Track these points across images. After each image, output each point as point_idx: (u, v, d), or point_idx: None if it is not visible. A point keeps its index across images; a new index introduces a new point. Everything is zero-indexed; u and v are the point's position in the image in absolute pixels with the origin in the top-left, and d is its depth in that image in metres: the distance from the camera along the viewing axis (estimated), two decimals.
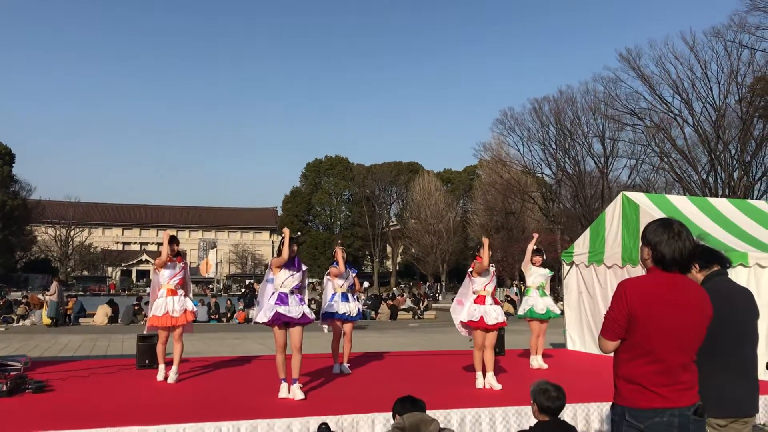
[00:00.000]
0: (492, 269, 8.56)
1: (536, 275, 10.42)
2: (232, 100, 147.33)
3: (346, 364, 9.64)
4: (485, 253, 8.34)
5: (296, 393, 7.35)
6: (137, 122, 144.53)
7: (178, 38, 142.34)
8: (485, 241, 8.48)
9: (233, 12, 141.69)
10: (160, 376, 8.69)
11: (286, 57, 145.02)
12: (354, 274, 9.92)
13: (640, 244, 3.47)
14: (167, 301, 8.58)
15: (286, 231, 7.75)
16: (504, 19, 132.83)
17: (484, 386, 8.26)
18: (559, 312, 10.67)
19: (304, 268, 7.77)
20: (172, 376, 8.53)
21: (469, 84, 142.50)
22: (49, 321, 22.93)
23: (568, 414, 6.88)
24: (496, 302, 8.47)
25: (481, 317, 8.28)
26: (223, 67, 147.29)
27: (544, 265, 10.51)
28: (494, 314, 8.31)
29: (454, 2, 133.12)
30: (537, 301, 10.30)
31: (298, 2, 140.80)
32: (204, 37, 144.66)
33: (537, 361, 10.25)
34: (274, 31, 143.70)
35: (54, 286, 23.80)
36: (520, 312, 10.66)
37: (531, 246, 10.41)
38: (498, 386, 8.20)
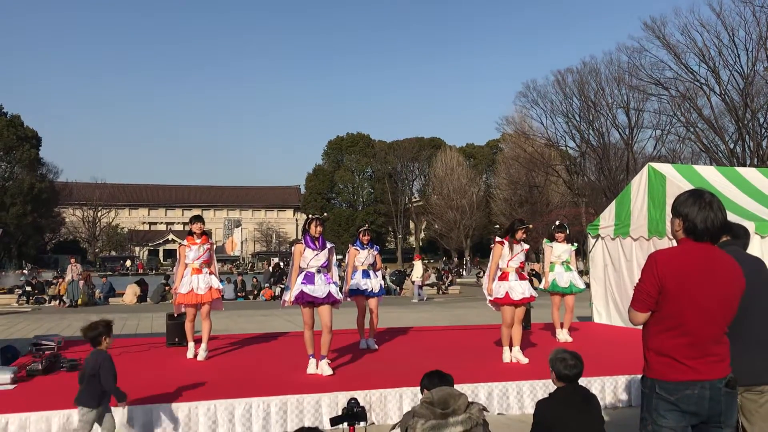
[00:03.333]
0: (520, 246, 8.50)
1: (560, 251, 10.36)
2: (255, 79, 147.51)
3: (372, 339, 9.71)
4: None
5: (324, 369, 7.43)
6: (162, 103, 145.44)
7: (203, 19, 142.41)
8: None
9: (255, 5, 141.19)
10: (189, 354, 8.82)
11: (308, 34, 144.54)
12: (376, 252, 9.89)
13: (670, 215, 3.42)
14: (192, 279, 8.69)
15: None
16: None
17: (511, 360, 8.28)
18: (583, 286, 10.60)
19: (329, 246, 7.79)
20: (202, 354, 8.66)
21: (491, 57, 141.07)
22: (81, 301, 23.34)
23: (596, 387, 6.88)
24: (522, 277, 8.41)
25: (506, 293, 8.25)
26: (246, 47, 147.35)
27: (567, 240, 10.45)
28: (520, 289, 8.26)
29: None
30: (561, 276, 10.27)
31: None
32: (228, 17, 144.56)
33: (563, 335, 10.23)
34: (297, 8, 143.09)
35: (69, 268, 23.89)
36: (542, 285, 10.66)
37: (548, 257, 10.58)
38: (525, 360, 8.21)
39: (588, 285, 12.93)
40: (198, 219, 9.12)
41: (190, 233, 8.96)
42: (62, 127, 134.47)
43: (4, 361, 8.81)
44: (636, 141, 44.98)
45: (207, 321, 8.81)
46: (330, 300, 7.53)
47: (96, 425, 5.23)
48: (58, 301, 23.76)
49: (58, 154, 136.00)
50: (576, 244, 10.83)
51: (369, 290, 9.53)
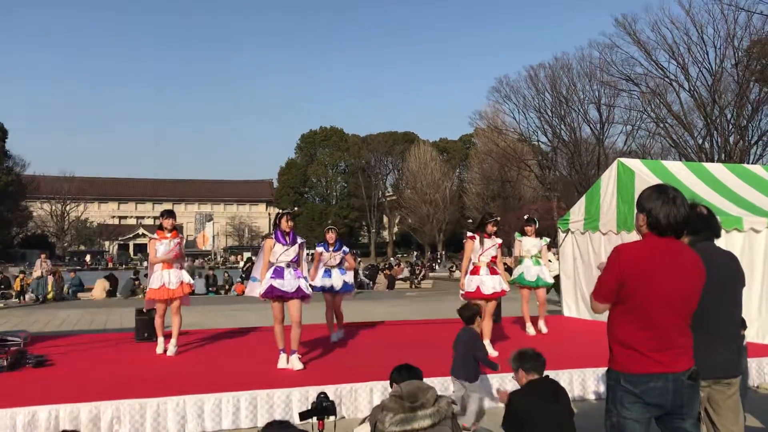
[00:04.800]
0: (491, 241, 8.55)
1: (530, 245, 10.43)
2: (226, 72, 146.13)
3: (340, 330, 9.86)
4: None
5: (295, 363, 7.42)
6: (132, 96, 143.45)
7: (169, 13, 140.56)
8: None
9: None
10: (159, 349, 8.74)
11: (278, 28, 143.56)
12: (345, 254, 9.72)
13: (635, 210, 3.47)
14: (163, 275, 8.59)
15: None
16: None
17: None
18: (551, 281, 10.73)
19: (300, 241, 7.77)
20: (171, 349, 8.58)
21: (464, 52, 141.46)
22: (50, 296, 22.92)
23: (564, 379, 6.96)
24: (493, 272, 8.47)
25: (477, 287, 8.33)
26: (215, 40, 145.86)
27: (537, 234, 10.51)
28: (491, 284, 8.36)
29: None
30: (529, 269, 10.35)
31: None
32: (196, 10, 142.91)
33: (531, 329, 10.35)
34: (271, 2, 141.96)
35: (37, 263, 23.44)
36: (511, 278, 10.73)
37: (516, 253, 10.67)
38: (494, 353, 8.27)
39: (558, 278, 13.07)
40: (169, 214, 8.98)
41: (160, 227, 8.85)
42: (30, 119, 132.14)
43: None
44: (607, 136, 45.56)
45: (177, 316, 8.73)
46: (299, 294, 7.52)
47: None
48: (19, 297, 22.90)
49: (26, 146, 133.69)
50: (548, 239, 10.90)
51: (328, 287, 9.49)
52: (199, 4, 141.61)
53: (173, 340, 8.65)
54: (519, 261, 10.59)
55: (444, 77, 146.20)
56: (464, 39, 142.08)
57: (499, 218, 8.80)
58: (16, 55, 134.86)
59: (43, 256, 24.14)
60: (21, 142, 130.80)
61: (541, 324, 10.50)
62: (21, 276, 23.60)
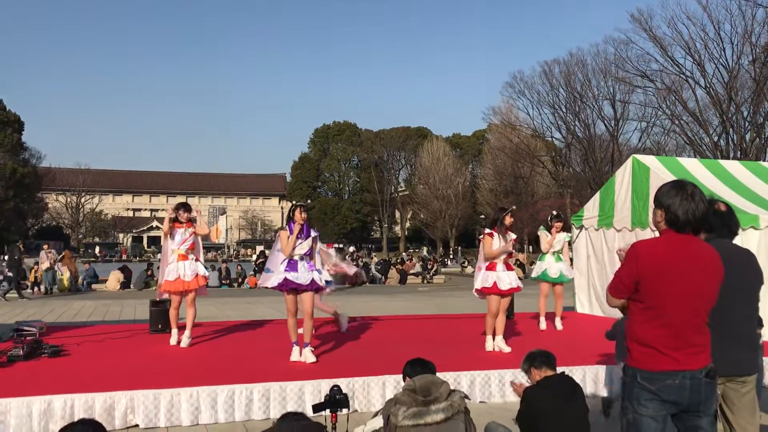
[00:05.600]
0: (508, 236, 8.48)
1: (554, 241, 10.41)
2: (242, 67, 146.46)
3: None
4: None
5: (308, 356, 7.44)
6: (147, 89, 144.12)
7: (186, 7, 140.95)
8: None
9: None
10: (173, 341, 8.79)
11: (297, 23, 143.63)
12: (311, 237, 9.16)
13: (653, 206, 3.45)
14: (178, 266, 8.61)
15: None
16: None
17: (494, 349, 8.33)
18: (572, 276, 10.85)
19: (313, 234, 7.77)
20: (185, 341, 8.63)
21: (478, 48, 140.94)
22: (65, 287, 23.09)
23: (577, 376, 6.92)
24: (509, 268, 8.43)
25: (494, 283, 8.25)
26: (231, 34, 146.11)
27: (564, 229, 10.55)
28: (507, 279, 8.28)
29: None
30: (551, 265, 10.36)
31: None
32: (217, 3, 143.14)
33: (544, 324, 10.36)
34: (283, 6, 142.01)
35: (42, 255, 23.30)
36: (534, 274, 10.71)
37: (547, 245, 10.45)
38: (507, 349, 8.26)
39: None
40: (184, 206, 8.99)
41: (176, 220, 8.87)
42: (46, 112, 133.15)
43: None
44: (621, 133, 45.37)
45: (192, 308, 8.77)
46: (313, 287, 7.54)
47: None
48: (33, 289, 23.03)
49: (42, 139, 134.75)
50: (570, 234, 10.91)
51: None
52: (212, 5, 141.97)
53: (187, 332, 8.70)
54: (541, 257, 10.55)
55: (458, 72, 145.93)
56: (478, 34, 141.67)
57: (514, 207, 8.70)
58: (33, 48, 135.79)
59: (45, 247, 24.03)
60: (37, 135, 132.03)
61: (557, 321, 10.49)
62: (35, 267, 23.72)
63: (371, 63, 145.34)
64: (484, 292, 8.37)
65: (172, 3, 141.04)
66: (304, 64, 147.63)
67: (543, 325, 10.33)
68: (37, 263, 24.98)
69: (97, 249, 69.22)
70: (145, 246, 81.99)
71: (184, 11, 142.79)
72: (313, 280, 7.52)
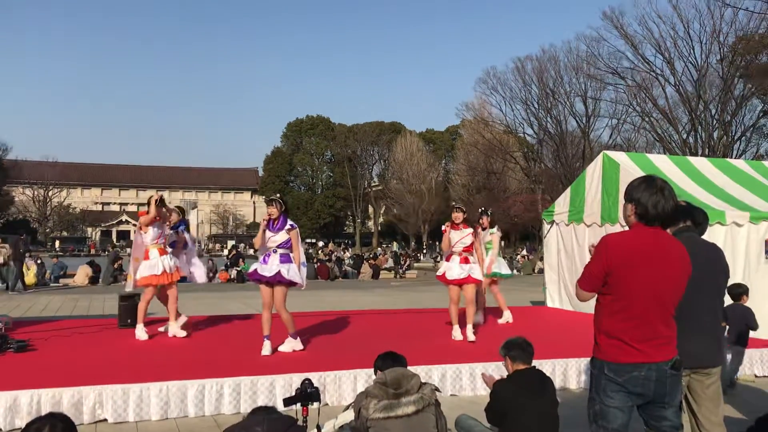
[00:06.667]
0: (460, 232, 8.80)
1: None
2: (213, 59, 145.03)
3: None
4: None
5: (290, 345, 7.65)
6: (117, 80, 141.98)
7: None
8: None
9: None
10: (141, 335, 8.69)
11: (265, 15, 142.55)
12: (180, 229, 9.30)
13: (623, 201, 3.50)
14: (162, 260, 8.63)
15: (153, 198, 8.69)
16: None
17: (460, 338, 8.65)
18: (507, 272, 10.99)
19: (287, 226, 7.74)
20: (180, 331, 8.73)
21: (451, 43, 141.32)
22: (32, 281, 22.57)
23: (546, 369, 6.99)
24: (464, 260, 8.74)
25: (444, 273, 8.86)
26: (202, 26, 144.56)
27: (492, 225, 10.45)
28: (457, 270, 8.71)
29: None
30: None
31: None
32: None
33: (507, 315, 10.55)
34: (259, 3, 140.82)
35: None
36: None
37: None
38: (472, 338, 8.53)
39: (541, 270, 13.16)
40: (162, 202, 8.94)
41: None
42: (12, 104, 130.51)
43: None
44: (592, 129, 45.82)
45: (174, 298, 8.85)
46: (276, 279, 7.53)
47: None
48: None
49: (8, 130, 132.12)
50: (494, 229, 10.54)
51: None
52: None
53: (181, 320, 8.90)
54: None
55: (431, 68, 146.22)
56: (452, 29, 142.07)
57: (461, 207, 9.01)
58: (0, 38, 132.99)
59: None
60: (3, 126, 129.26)
61: (508, 314, 10.66)
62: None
63: (345, 57, 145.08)
64: (440, 281, 9.01)
65: None
66: (277, 57, 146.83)
67: (507, 317, 10.62)
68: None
69: (57, 243, 67.56)
70: (114, 240, 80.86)
71: (154, 3, 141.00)
72: (278, 273, 7.52)
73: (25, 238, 23.07)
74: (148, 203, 8.85)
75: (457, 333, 8.74)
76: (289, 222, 7.75)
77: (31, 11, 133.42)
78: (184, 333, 8.84)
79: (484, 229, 10.26)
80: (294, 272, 7.63)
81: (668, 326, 3.36)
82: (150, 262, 8.63)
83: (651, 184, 3.39)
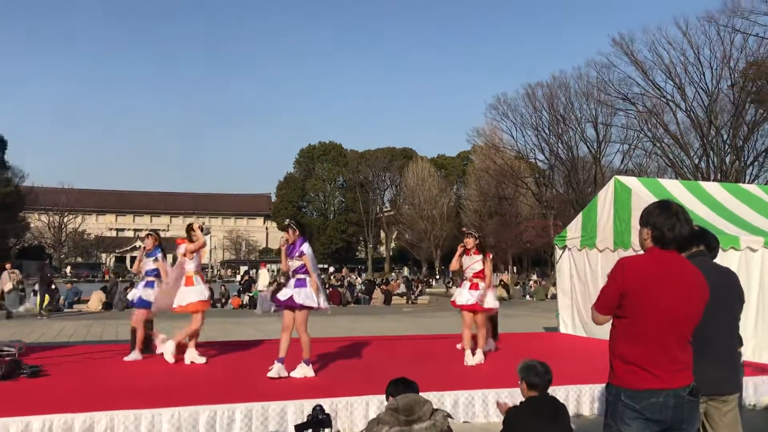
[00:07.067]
0: (470, 258, 8.90)
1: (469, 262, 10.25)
2: (226, 87, 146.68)
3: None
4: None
5: (299, 370, 7.62)
6: (130, 109, 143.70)
7: (166, 23, 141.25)
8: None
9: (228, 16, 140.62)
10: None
11: (276, 42, 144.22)
12: (153, 257, 9.40)
13: (638, 226, 3.51)
14: (204, 287, 9.05)
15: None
16: (497, 4, 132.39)
17: (474, 363, 8.67)
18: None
19: (302, 250, 7.80)
20: (199, 357, 8.86)
21: (462, 70, 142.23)
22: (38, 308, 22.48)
23: (560, 395, 6.93)
24: (473, 287, 8.79)
25: (454, 299, 9.09)
26: (214, 53, 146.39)
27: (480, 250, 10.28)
28: (466, 296, 8.83)
29: None
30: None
31: None
32: (198, 21, 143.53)
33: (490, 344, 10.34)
34: (265, 15, 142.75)
35: (3, 275, 21.95)
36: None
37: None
38: (474, 361, 8.67)
39: (554, 296, 13.07)
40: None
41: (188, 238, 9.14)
42: (29, 131, 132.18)
43: None
44: (604, 155, 45.74)
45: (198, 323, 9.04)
46: (286, 303, 7.66)
47: None
48: None
49: (25, 157, 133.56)
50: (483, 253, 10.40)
51: (135, 301, 9.40)
52: (198, 17, 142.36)
53: (169, 344, 8.96)
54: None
55: (442, 94, 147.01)
56: (463, 57, 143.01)
57: (472, 233, 9.07)
58: (16, 65, 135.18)
59: (8, 266, 22.84)
60: (20, 154, 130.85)
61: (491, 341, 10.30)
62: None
63: (357, 84, 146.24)
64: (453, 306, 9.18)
65: (156, 22, 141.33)
66: (289, 85, 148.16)
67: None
68: (21, 283, 24.21)
69: (69, 269, 67.79)
70: (128, 266, 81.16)
71: (167, 31, 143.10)
72: (291, 297, 7.57)
73: (48, 263, 23.33)
74: (189, 230, 9.03)
75: (469, 358, 8.72)
76: (301, 247, 7.80)
77: (48, 39, 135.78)
78: (203, 359, 8.87)
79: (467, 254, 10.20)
80: (306, 296, 7.65)
81: (685, 352, 3.33)
82: (197, 288, 8.88)
83: (667, 209, 3.40)
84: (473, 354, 8.82)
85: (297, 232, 7.85)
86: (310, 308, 7.72)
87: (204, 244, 8.97)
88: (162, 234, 9.20)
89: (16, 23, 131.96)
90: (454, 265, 9.20)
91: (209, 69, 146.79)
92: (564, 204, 45.83)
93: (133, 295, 9.62)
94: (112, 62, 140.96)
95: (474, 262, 8.83)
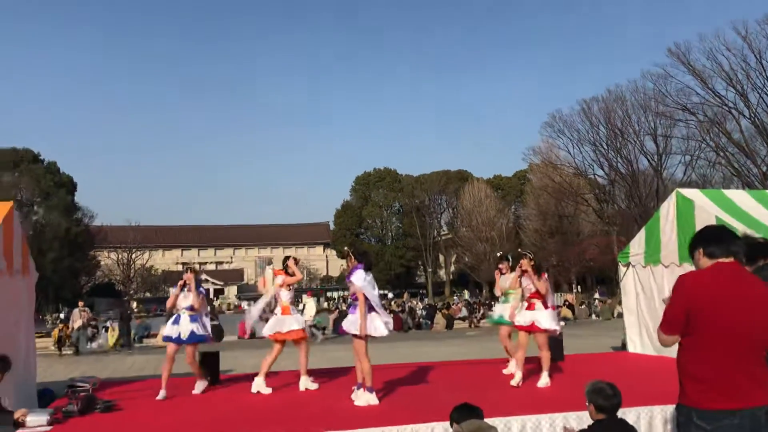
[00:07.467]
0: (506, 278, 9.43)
1: (503, 281, 10.12)
2: (280, 120, 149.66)
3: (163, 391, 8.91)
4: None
5: (361, 397, 7.70)
6: (191, 145, 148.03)
7: (224, 63, 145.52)
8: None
9: (275, 30, 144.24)
10: (264, 389, 9.03)
11: (333, 71, 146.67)
12: (190, 293, 9.29)
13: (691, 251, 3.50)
14: (300, 317, 9.39)
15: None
16: (546, 24, 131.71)
17: (516, 384, 8.75)
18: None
19: (350, 278, 7.93)
20: (266, 388, 8.97)
21: (515, 88, 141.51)
22: (111, 344, 23.23)
23: (630, 417, 6.75)
24: (529, 307, 8.86)
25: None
26: (269, 87, 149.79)
27: (512, 270, 9.95)
28: (522, 318, 8.92)
29: (497, 4, 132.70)
30: (496, 308, 10.35)
31: (341, 12, 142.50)
32: (254, 54, 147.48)
33: (509, 368, 10.04)
34: (323, 45, 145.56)
35: (74, 313, 22.87)
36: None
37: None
38: (514, 382, 8.68)
39: (620, 314, 12.72)
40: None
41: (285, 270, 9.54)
42: (97, 173, 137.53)
43: (41, 403, 8.94)
44: (665, 167, 44.61)
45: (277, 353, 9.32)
46: (340, 331, 7.87)
47: None
48: (60, 348, 21.23)
49: (93, 198, 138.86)
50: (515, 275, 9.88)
51: (174, 337, 9.12)
52: (255, 53, 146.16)
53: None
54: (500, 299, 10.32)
55: (495, 114, 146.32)
56: (514, 75, 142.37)
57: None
58: (81, 111, 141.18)
59: (81, 304, 23.82)
60: (89, 195, 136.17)
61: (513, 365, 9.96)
62: (61, 326, 23.04)
63: (410, 108, 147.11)
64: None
65: (212, 60, 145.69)
66: (342, 113, 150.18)
67: (506, 369, 10.08)
68: (62, 322, 24.73)
69: (134, 304, 69.48)
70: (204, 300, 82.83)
71: (225, 66, 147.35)
72: (340, 326, 8.00)
73: (128, 300, 24.43)
74: (286, 263, 9.38)
75: (517, 378, 8.74)
76: (351, 276, 7.90)
77: (109, 83, 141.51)
78: (269, 390, 8.99)
79: (503, 274, 10.07)
80: (350, 323, 7.88)
81: (760, 367, 3.18)
82: (295, 317, 9.26)
83: (710, 227, 3.44)
84: (540, 377, 8.68)
85: (354, 260, 7.97)
86: (359, 336, 7.78)
87: (301, 279, 9.13)
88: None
89: (79, 62, 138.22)
90: (496, 288, 9.83)
91: (264, 103, 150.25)
92: (627, 219, 44.79)
93: (177, 331, 9.18)
94: (172, 100, 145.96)
95: (527, 284, 8.91)
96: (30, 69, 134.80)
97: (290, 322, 9.07)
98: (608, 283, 52.16)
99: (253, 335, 16.58)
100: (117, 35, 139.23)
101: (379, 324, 7.84)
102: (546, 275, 9.13)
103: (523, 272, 8.88)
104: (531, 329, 8.78)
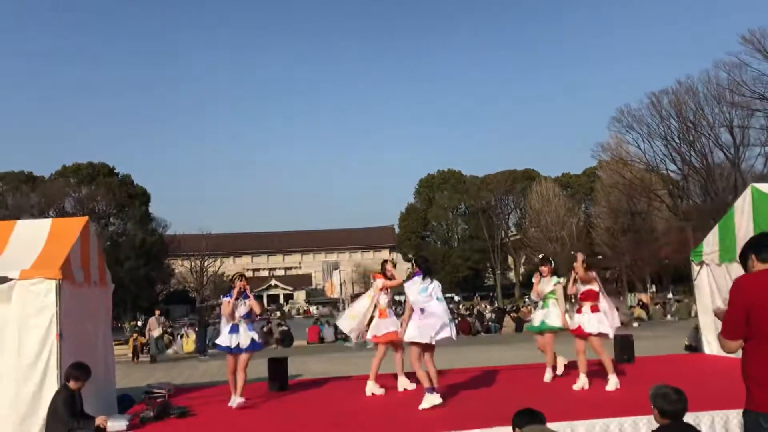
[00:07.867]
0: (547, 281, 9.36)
1: (542, 285, 9.69)
2: (345, 124, 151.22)
3: (239, 398, 8.72)
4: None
5: (427, 402, 7.69)
6: (256, 156, 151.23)
7: (286, 71, 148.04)
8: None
9: (339, 50, 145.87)
10: (376, 390, 9.24)
11: (396, 77, 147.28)
12: (246, 299, 9.23)
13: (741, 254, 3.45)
14: (396, 320, 9.46)
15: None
16: (611, 18, 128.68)
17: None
18: (557, 324, 9.35)
19: (405, 285, 8.14)
20: (379, 390, 9.19)
21: (581, 84, 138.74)
22: (187, 350, 23.98)
23: (705, 421, 6.56)
24: (578, 310, 8.86)
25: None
26: (334, 95, 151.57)
27: (554, 273, 9.62)
28: (577, 321, 8.85)
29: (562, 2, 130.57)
30: (535, 314, 10.06)
31: (408, 15, 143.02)
32: (315, 65, 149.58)
33: (548, 375, 9.71)
34: (385, 56, 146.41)
35: (151, 321, 23.27)
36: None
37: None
38: (578, 385, 8.63)
39: (696, 314, 12.32)
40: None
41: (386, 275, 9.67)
42: (169, 184, 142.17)
43: (120, 409, 9.33)
44: (743, 159, 42.88)
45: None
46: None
47: None
48: (133, 358, 21.92)
49: (166, 208, 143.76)
50: (560, 278, 9.60)
51: (232, 347, 8.80)
52: (318, 63, 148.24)
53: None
54: (539, 305, 9.86)
55: (562, 111, 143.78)
56: (580, 70, 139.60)
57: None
58: (152, 123, 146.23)
59: (158, 312, 24.37)
60: (162, 205, 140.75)
61: (547, 372, 9.75)
62: (134, 335, 23.69)
63: (474, 108, 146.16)
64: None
65: (272, 69, 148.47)
66: (405, 116, 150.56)
67: (547, 376, 9.70)
68: (136, 331, 25.43)
69: (214, 311, 71.27)
70: (265, 304, 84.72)
71: (285, 78, 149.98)
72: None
73: (207, 307, 25.13)
74: (384, 267, 9.61)
75: (582, 382, 8.71)
76: (406, 282, 8.06)
77: (175, 96, 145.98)
78: (382, 390, 9.19)
79: (543, 277, 9.60)
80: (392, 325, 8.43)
81: None
82: (392, 320, 9.39)
83: (759, 235, 3.43)
84: (607, 381, 8.52)
85: (415, 265, 8.07)
86: (414, 342, 7.87)
87: (401, 283, 9.25)
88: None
89: (145, 79, 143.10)
90: (533, 293, 9.84)
91: (327, 112, 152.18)
92: (703, 215, 43.27)
93: (237, 340, 8.86)
94: (238, 111, 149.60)
95: (585, 288, 8.79)
96: (110, 87, 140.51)
97: (387, 325, 9.24)
98: (686, 281, 50.46)
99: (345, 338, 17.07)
100: (185, 53, 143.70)
101: (412, 328, 7.89)
102: (594, 273, 8.94)
103: (576, 275, 8.72)
104: (578, 333, 8.68)
